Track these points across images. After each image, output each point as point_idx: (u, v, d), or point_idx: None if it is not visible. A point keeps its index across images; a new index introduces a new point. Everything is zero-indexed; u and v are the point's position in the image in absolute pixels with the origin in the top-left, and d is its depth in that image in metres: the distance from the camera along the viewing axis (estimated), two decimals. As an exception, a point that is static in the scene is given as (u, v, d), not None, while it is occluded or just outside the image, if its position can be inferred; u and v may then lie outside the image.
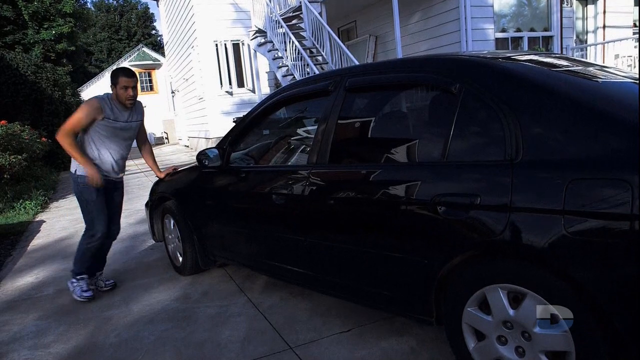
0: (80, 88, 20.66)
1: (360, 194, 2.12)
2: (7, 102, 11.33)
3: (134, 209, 6.31)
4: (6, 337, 2.83)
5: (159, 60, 21.36)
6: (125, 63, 21.72)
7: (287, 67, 8.76)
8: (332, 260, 2.32)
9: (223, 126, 10.68)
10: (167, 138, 20.82)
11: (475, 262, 1.75)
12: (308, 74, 7.98)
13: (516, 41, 8.71)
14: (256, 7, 9.98)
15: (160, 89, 21.34)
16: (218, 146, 2.99)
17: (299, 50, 8.15)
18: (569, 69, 2.00)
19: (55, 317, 3.06)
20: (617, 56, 8.81)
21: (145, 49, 22.29)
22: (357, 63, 7.89)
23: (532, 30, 8.83)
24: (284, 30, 8.69)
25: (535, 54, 2.29)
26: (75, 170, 3.09)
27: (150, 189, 3.92)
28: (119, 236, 5.08)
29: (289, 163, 2.82)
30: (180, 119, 17.45)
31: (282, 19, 9.33)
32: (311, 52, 9.41)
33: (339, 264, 2.29)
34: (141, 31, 35.75)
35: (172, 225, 3.57)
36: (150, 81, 21.86)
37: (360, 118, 2.37)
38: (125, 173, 3.44)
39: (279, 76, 9.16)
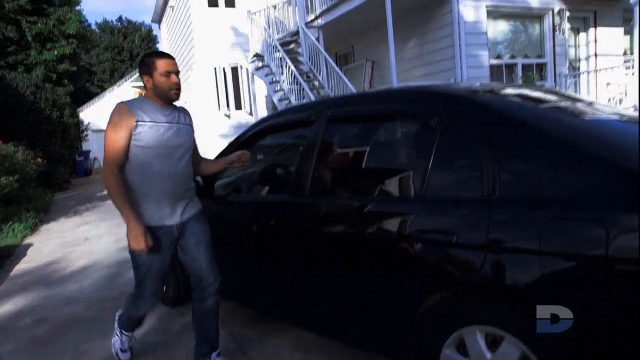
0: (80, 108, 20.83)
1: (337, 229, 2.07)
2: (6, 121, 11.36)
3: (124, 233, 6.20)
4: (-24, 370, 2.74)
5: (160, 82, 21.57)
6: (126, 84, 21.96)
7: (283, 92, 8.82)
8: (309, 295, 2.26)
9: (220, 148, 10.69)
10: (165, 159, 20.86)
11: (452, 302, 1.69)
12: (304, 98, 8.03)
13: (510, 68, 8.78)
14: (254, 32, 10.11)
15: (160, 110, 21.50)
16: (202, 174, 2.95)
17: (294, 74, 8.22)
18: (555, 105, 1.97)
19: (30, 349, 2.97)
20: (608, 84, 8.87)
21: (146, 71, 22.55)
22: (352, 88, 7.94)
23: (526, 57, 8.91)
24: (280, 55, 8.78)
25: (524, 88, 2.27)
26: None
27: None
28: (106, 262, 5.05)
29: (271, 193, 2.77)
30: (179, 140, 17.49)
31: (280, 43, 9.44)
32: (308, 76, 9.50)
33: (315, 299, 2.22)
34: (144, 52, 36.24)
35: (155, 253, 3.49)
36: (150, 102, 22.05)
37: (341, 149, 2.34)
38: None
39: (275, 100, 9.21)
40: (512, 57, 8.85)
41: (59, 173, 12.69)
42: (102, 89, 30.85)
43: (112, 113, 2.14)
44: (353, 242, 2.01)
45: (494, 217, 1.54)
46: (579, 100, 2.18)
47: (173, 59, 2.23)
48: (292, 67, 8.29)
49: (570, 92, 9.03)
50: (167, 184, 2.19)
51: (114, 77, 34.11)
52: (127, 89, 21.86)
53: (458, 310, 1.66)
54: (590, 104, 2.12)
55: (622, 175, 1.38)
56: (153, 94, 2.19)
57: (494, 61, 8.53)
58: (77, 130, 17.10)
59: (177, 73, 2.20)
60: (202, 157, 2.59)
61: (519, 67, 8.74)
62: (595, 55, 9.59)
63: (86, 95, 26.72)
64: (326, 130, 2.26)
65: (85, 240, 6.24)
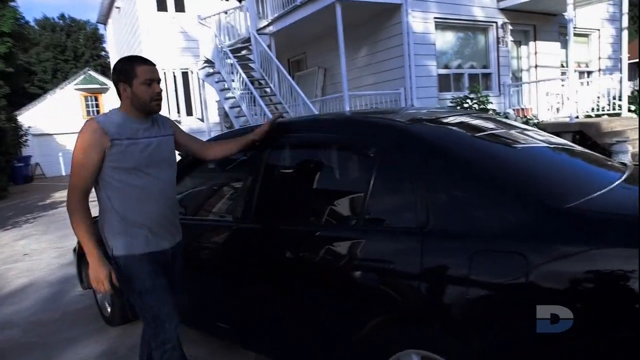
0: (19, 111, 19.64)
1: (278, 254, 2.10)
2: None
3: (68, 247, 5.93)
4: None
5: (107, 85, 20.67)
6: (69, 86, 20.90)
7: (234, 99, 8.72)
8: (250, 317, 2.28)
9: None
10: (113, 164, 20.04)
11: (390, 327, 1.74)
12: (255, 106, 7.98)
13: (458, 77, 9.11)
14: (205, 37, 9.94)
15: (107, 114, 20.59)
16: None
17: (245, 82, 8.15)
18: (492, 132, 2.07)
19: (-40, 382, 2.78)
20: (547, 94, 9.40)
21: (92, 73, 21.54)
22: (303, 96, 7.98)
23: (472, 67, 9.28)
24: (231, 62, 8.68)
25: (466, 115, 2.34)
26: (112, 250, 1.93)
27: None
28: (48, 280, 4.79)
29: (216, 216, 2.73)
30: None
31: (231, 49, 9.33)
32: (260, 83, 9.45)
33: (257, 321, 2.25)
34: (89, 52, 34.67)
35: (100, 273, 3.37)
36: (97, 106, 21.11)
37: (284, 175, 2.34)
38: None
39: (226, 107, 9.10)
40: (460, 67, 9.19)
41: (-5, 179, 11.93)
42: (44, 90, 29.27)
43: (80, 131, 1.86)
44: (293, 268, 2.05)
45: (427, 247, 1.60)
46: (516, 127, 2.30)
47: (154, 65, 1.96)
48: (243, 75, 8.21)
49: (514, 101, 9.49)
50: (155, 205, 1.94)
51: (57, 77, 32.42)
52: (71, 91, 20.81)
53: (395, 334, 1.72)
54: (524, 131, 2.24)
55: (541, 211, 1.47)
56: (130, 105, 1.91)
57: (442, 71, 8.82)
58: (15, 135, 16.12)
59: (159, 81, 1.94)
60: (204, 142, 2.31)
61: (466, 77, 9.09)
62: (536, 66, 10.13)
63: (26, 97, 25.22)
64: (270, 155, 2.26)
65: (24, 256, 5.91)
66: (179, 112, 11.65)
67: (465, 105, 7.78)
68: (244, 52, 9.87)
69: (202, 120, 11.38)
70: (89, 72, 21.66)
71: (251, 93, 7.98)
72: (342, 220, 1.95)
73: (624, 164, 2.26)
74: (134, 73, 1.87)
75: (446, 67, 8.98)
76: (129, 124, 1.90)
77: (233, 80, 8.66)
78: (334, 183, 2.10)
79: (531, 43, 10.03)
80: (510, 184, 1.59)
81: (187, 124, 11.68)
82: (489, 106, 7.83)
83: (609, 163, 2.24)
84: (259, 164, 2.25)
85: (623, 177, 1.84)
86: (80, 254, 3.60)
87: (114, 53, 16.86)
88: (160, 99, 1.95)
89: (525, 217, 1.47)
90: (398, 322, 1.71)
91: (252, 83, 9.21)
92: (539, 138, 2.13)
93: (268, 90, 9.30)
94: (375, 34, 8.86)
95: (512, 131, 2.16)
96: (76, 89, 20.77)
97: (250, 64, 9.67)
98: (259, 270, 2.18)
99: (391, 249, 1.71)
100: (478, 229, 1.52)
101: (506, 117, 8.03)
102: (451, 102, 7.92)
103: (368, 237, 1.79)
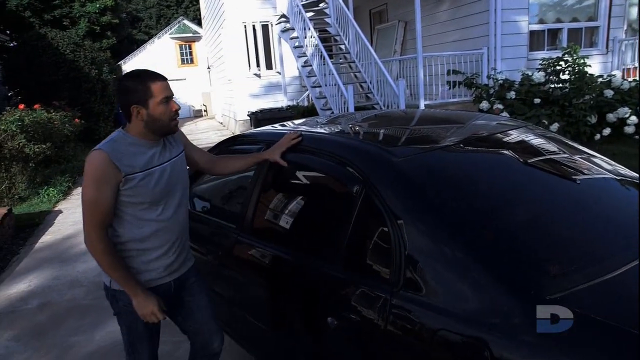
0: (123, 60, 21.27)
1: (258, 274, 2.14)
2: (48, 80, 11.84)
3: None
4: (-25, 359, 3.04)
5: (199, 33, 21.48)
6: (166, 36, 22.02)
7: (307, 57, 8.54)
8: (243, 325, 2.33)
9: (250, 109, 10.70)
10: (205, 111, 21.20)
11: None
12: (325, 65, 7.74)
13: (554, 33, 8.00)
14: (281, -10, 9.70)
15: (200, 62, 21.59)
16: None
17: (316, 40, 7.89)
18: (525, 168, 1.80)
19: (27, 338, 3.24)
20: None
21: (186, 22, 22.44)
22: (375, 56, 7.58)
23: (574, 20, 8.06)
24: (304, 17, 8.43)
25: (520, 135, 2.01)
26: (110, 282, 1.77)
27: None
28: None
29: (224, 217, 2.69)
30: (216, 94, 17.65)
31: (308, 3, 9.05)
32: (335, 40, 9.14)
33: (249, 331, 2.30)
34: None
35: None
36: (191, 54, 22.13)
37: (279, 193, 2.22)
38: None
39: (299, 65, 8.97)
40: (558, 20, 8.03)
41: (99, 129, 13.24)
42: (149, 35, 31.23)
43: (88, 163, 1.65)
44: (268, 295, 2.09)
45: (393, 311, 1.45)
46: (582, 152, 1.97)
47: (167, 79, 1.75)
48: (314, 31, 7.93)
49: (626, 59, 8.13)
50: (168, 235, 1.79)
51: (161, 22, 34.32)
52: (167, 40, 21.95)
53: None
54: (591, 159, 1.92)
55: (518, 299, 1.26)
56: (143, 128, 1.69)
57: (535, 26, 7.79)
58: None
59: (172, 97, 1.74)
60: (213, 156, 2.18)
61: (565, 33, 7.95)
62: (660, 15, 8.52)
63: (132, 43, 27.15)
64: (269, 169, 2.15)
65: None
66: (258, 65, 11.75)
67: (558, 67, 6.84)
68: (321, 5, 9.51)
69: (280, 73, 11.41)
70: (183, 21, 22.58)
71: (321, 52, 7.73)
72: (325, 264, 1.78)
73: None
74: (149, 92, 1.66)
75: (541, 21, 7.90)
76: (142, 152, 1.70)
77: (305, 37, 8.45)
78: (324, 214, 1.93)
79: (657, -13, 8.38)
80: (493, 261, 1.36)
81: (267, 78, 11.79)
82: (588, 69, 6.80)
83: None
84: (259, 176, 2.18)
85: None
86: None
87: (203, 2, 17.23)
88: (177, 117, 1.76)
89: (499, 303, 1.26)
90: None
91: (328, 40, 8.92)
92: (604, 169, 1.81)
93: (343, 47, 8.97)
94: (459, -16, 7.99)
95: (563, 164, 1.87)
96: (171, 38, 21.86)
97: (327, 19, 9.33)
98: (244, 285, 2.24)
99: (363, 302, 1.57)
100: (448, 305, 1.34)
101: (610, 80, 6.97)
102: (540, 64, 7.00)
103: (346, 286, 1.66)
